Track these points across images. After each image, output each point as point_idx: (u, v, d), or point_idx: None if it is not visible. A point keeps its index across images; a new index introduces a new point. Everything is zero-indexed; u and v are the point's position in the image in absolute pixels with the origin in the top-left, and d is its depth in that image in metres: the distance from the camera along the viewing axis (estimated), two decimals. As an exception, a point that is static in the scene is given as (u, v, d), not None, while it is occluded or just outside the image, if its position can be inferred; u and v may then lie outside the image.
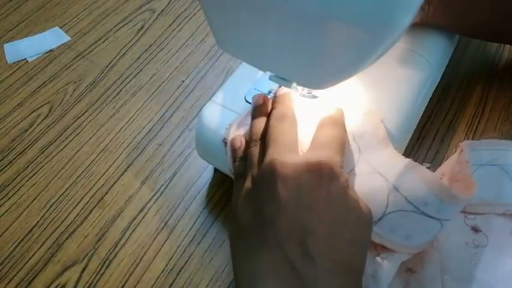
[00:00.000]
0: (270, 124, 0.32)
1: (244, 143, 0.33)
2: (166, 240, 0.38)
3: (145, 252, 0.38)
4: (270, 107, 0.34)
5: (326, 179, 0.27)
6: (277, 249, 0.26)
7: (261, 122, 0.33)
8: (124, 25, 0.56)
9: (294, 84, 0.31)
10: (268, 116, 0.33)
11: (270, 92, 0.36)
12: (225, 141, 0.35)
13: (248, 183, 0.30)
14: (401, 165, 0.30)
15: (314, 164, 0.27)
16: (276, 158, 0.28)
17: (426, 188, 0.28)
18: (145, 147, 0.44)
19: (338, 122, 0.31)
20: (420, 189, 0.28)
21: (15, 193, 0.41)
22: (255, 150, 0.31)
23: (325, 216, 0.26)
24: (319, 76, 0.28)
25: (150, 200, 0.41)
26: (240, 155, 0.33)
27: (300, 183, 0.27)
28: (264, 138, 0.31)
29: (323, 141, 0.30)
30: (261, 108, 0.34)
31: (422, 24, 0.39)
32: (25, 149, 0.45)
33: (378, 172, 0.30)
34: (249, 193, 0.29)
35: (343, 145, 0.30)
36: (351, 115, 0.33)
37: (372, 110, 0.33)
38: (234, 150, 0.33)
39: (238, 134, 0.34)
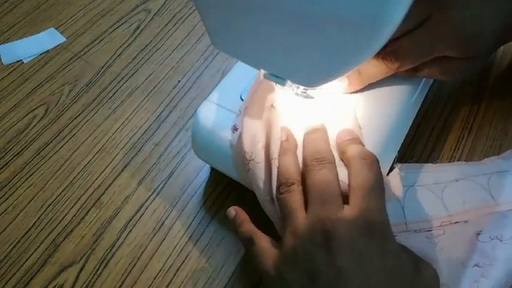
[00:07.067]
0: (308, 166, 0.30)
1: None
2: (163, 240, 0.38)
3: (142, 253, 0.38)
4: (295, 142, 0.32)
5: (379, 240, 0.27)
6: None
7: (290, 161, 0.31)
8: (120, 25, 0.56)
9: (288, 82, 0.32)
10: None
11: None
12: (232, 144, 0.34)
13: (290, 239, 0.28)
14: None
15: (365, 225, 0.27)
16: (325, 215, 0.27)
17: None
18: (141, 148, 0.44)
19: (368, 159, 0.30)
20: None
21: (11, 194, 0.41)
22: (292, 197, 0.29)
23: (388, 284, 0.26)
24: (312, 73, 0.28)
25: (146, 200, 0.41)
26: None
27: (355, 248, 0.27)
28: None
29: (363, 187, 0.28)
30: (286, 145, 0.32)
31: None
32: (21, 150, 0.44)
33: None
34: (296, 252, 0.28)
35: (382, 187, 0.29)
36: (343, 119, 0.33)
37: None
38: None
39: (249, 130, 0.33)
